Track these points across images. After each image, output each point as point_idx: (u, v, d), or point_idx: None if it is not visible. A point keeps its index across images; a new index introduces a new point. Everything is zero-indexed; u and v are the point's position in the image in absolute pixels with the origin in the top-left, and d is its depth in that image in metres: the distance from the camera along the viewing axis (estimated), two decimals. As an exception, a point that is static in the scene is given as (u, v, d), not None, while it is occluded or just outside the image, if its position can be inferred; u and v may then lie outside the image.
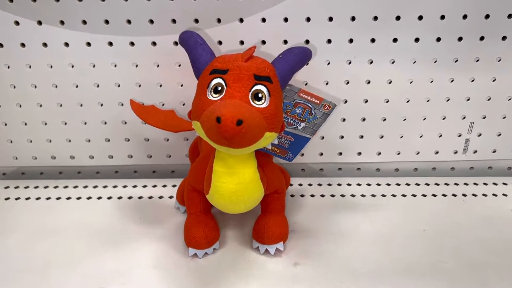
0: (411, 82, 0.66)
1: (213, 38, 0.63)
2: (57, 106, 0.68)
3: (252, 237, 0.56)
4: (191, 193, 0.57)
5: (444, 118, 0.69)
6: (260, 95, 0.45)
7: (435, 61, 0.64)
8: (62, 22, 0.61)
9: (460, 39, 0.63)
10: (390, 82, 0.66)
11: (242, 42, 0.63)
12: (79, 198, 0.67)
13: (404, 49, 0.63)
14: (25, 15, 0.61)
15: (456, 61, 0.64)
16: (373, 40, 0.63)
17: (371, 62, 0.64)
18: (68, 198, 0.67)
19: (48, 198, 0.67)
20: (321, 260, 0.53)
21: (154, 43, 0.63)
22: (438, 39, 0.63)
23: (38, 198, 0.67)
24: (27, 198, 0.67)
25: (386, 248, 0.55)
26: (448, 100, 0.68)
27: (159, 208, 0.65)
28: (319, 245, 0.56)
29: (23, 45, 0.63)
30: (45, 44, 0.63)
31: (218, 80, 0.45)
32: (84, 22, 0.61)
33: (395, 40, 0.63)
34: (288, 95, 0.50)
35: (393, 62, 0.64)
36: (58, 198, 0.67)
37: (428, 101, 0.68)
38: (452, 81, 0.66)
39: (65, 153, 0.72)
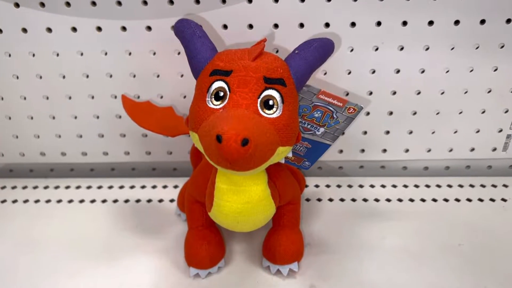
0: (447, 72, 0.57)
1: (217, 22, 0.54)
2: (43, 98, 0.60)
3: (262, 253, 0.49)
4: (192, 204, 0.50)
5: (483, 112, 0.60)
6: (271, 102, 0.37)
7: (477, 47, 0.55)
8: (42, 4, 0.53)
9: (508, 21, 0.53)
10: (422, 72, 0.57)
11: (250, 26, 0.54)
12: (70, 201, 0.61)
13: (441, 33, 0.54)
14: (-1, -4, 0.52)
15: (502, 47, 0.55)
16: (404, 23, 0.53)
17: (402, 49, 0.55)
18: (59, 201, 0.61)
19: (36, 201, 0.61)
20: (341, 282, 0.47)
21: (149, 28, 0.54)
22: (483, 21, 0.53)
23: (26, 201, 0.61)
24: (14, 201, 0.61)
25: (416, 268, 0.48)
26: (489, 91, 0.58)
27: (159, 214, 0.58)
28: (339, 263, 0.49)
29: (0, 31, 0.55)
30: (24, 30, 0.55)
31: (220, 84, 0.37)
32: (68, 4, 0.53)
33: (430, 22, 0.53)
34: (305, 97, 0.42)
35: (427, 49, 0.55)
36: (47, 201, 0.61)
37: (466, 92, 0.59)
38: (495, 70, 0.57)
39: (55, 149, 0.65)
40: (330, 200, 0.60)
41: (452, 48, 0.55)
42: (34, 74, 0.58)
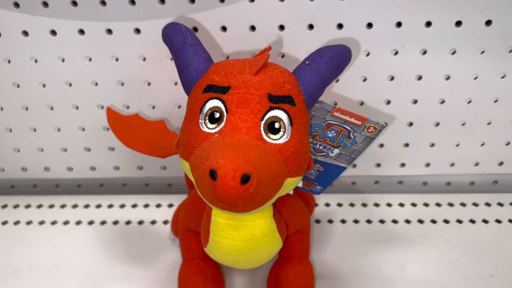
0: (475, 78, 0.50)
1: (214, 23, 0.47)
2: (22, 109, 0.54)
3: (266, 289, 0.43)
4: (186, 233, 0.44)
5: (515, 122, 0.53)
6: (277, 125, 0.30)
7: (510, 51, 0.48)
8: (16, 5, 0.47)
9: (547, 22, 0.46)
10: (448, 78, 0.50)
11: (253, 28, 0.47)
12: (54, 222, 0.55)
13: (470, 35, 0.47)
14: (-33, -5, 0.46)
15: (540, 50, 0.48)
16: (428, 24, 0.47)
17: (425, 53, 0.49)
18: (41, 223, 0.55)
19: (16, 223, 0.55)
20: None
21: (137, 31, 0.48)
22: (518, 22, 0.46)
23: (4, 223, 0.55)
24: (-4, 223, 0.55)
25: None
26: (523, 100, 0.52)
27: (151, 239, 0.52)
28: (355, 299, 0.43)
29: (-30, 34, 0.49)
30: (-3, 33, 0.48)
31: (215, 103, 0.30)
32: (45, 4, 0.47)
33: (458, 23, 0.47)
34: (318, 114, 0.35)
35: (453, 52, 0.48)
36: (28, 223, 0.55)
37: (496, 101, 0.52)
38: (531, 76, 0.50)
39: (38, 163, 0.58)
40: (343, 221, 0.54)
41: (482, 52, 0.48)
42: (11, 83, 0.52)
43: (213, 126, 0.31)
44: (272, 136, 0.30)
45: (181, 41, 0.34)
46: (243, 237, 0.35)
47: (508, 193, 0.58)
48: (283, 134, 0.31)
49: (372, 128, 0.36)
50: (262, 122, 0.30)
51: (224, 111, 0.30)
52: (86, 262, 0.48)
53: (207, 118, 0.31)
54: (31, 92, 0.52)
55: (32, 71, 0.51)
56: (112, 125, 0.44)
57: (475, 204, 0.56)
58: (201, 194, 0.28)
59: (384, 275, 0.46)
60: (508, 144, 0.55)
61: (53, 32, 0.48)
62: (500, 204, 0.56)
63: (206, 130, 0.31)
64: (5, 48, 0.49)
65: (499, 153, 0.56)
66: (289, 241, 0.43)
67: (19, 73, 0.51)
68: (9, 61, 0.50)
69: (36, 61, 0.50)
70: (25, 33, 0.48)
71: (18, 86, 0.52)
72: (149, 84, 0.51)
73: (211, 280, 0.42)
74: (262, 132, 0.30)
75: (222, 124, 0.30)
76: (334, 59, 0.33)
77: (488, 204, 0.56)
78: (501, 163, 0.57)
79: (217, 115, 0.30)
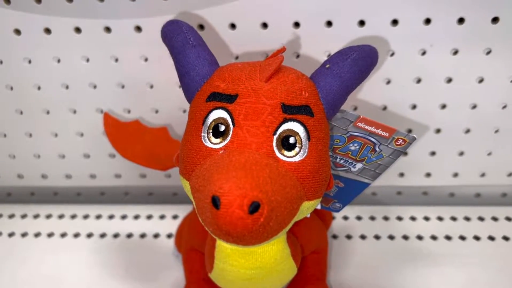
0: (512, 81, 0.45)
1: (223, 20, 0.43)
2: (16, 113, 0.50)
3: (278, 316, 0.39)
4: (190, 253, 0.40)
5: (555, 129, 0.48)
6: (292, 140, 0.26)
7: (554, 50, 0.43)
8: (7, 1, 0.43)
9: None
10: (481, 81, 0.45)
11: (264, 25, 0.43)
12: (50, 234, 0.51)
13: (507, 33, 0.42)
14: (-46, -9, 0.42)
15: None
16: (461, 21, 0.42)
17: (456, 53, 0.44)
18: (37, 235, 0.51)
19: (11, 235, 0.51)
20: None
21: (138, 29, 0.44)
22: None
23: (-2, 235, 0.51)
24: (-15, 235, 0.51)
25: None
26: None
27: (153, 254, 0.48)
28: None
29: (-42, 33, 0.45)
30: (-12, 32, 0.45)
31: (220, 114, 0.26)
32: (38, 0, 0.42)
33: (495, 19, 0.41)
34: (338, 125, 0.30)
35: (488, 52, 0.43)
36: (23, 235, 0.51)
37: (535, 106, 0.47)
38: None
39: (34, 171, 0.55)
40: (362, 237, 0.49)
41: (521, 52, 0.43)
42: (4, 85, 0.48)
43: (218, 141, 0.26)
44: (286, 153, 0.26)
45: (182, 41, 0.29)
46: (252, 265, 0.30)
47: (544, 206, 0.52)
48: (300, 151, 0.26)
49: (401, 140, 0.31)
50: (275, 137, 0.26)
51: (231, 123, 0.26)
52: (83, 280, 0.45)
53: (211, 131, 0.26)
54: (26, 95, 0.49)
55: (26, 73, 0.47)
56: (109, 133, 0.40)
57: (508, 219, 0.51)
58: (203, 222, 0.24)
59: (408, 300, 0.42)
60: (546, 152, 0.50)
61: (47, 31, 0.45)
62: (536, 219, 0.51)
63: (209, 145, 0.26)
64: (-4, 48, 0.46)
65: (536, 163, 0.51)
66: (305, 262, 0.39)
67: (12, 74, 0.47)
68: (1, 62, 0.47)
69: (30, 61, 0.47)
70: (17, 31, 0.45)
71: (12, 88, 0.48)
72: (151, 86, 0.47)
73: (216, 305, 0.38)
74: (275, 148, 0.26)
75: (228, 139, 0.26)
76: (358, 62, 0.28)
77: (523, 219, 0.51)
78: (537, 174, 0.52)
79: (222, 128, 0.26)
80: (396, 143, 0.32)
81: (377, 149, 0.32)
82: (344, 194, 0.36)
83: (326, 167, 0.28)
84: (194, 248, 0.39)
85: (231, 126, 0.26)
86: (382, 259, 0.46)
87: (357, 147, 0.32)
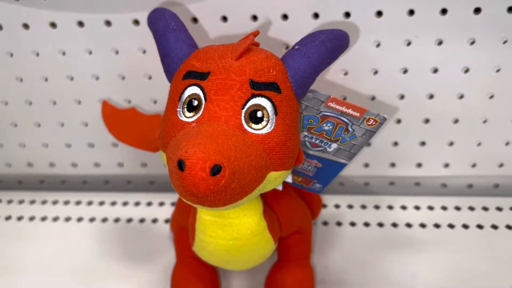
0: (497, 71, 0.46)
1: (215, 13, 0.45)
2: (25, 104, 0.53)
3: (263, 293, 0.41)
4: (179, 232, 0.42)
5: (543, 120, 0.49)
6: (260, 114, 0.28)
7: (537, 40, 0.44)
8: (15, -4, 0.46)
9: None
10: (466, 71, 0.46)
11: (254, 18, 0.45)
12: (56, 219, 0.54)
13: (490, 24, 0.43)
14: (-32, -12, 0.46)
15: None
16: (444, 11, 0.43)
17: (440, 43, 0.45)
18: (44, 219, 0.54)
19: (20, 218, 0.54)
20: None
21: (136, 22, 0.47)
22: (546, 8, 0.42)
23: (8, 218, 0.54)
24: (-5, 218, 0.54)
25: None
26: (551, 94, 0.47)
27: (151, 238, 0.50)
28: (359, 308, 0.40)
29: (-29, 28, 0.48)
30: (-1, 26, 0.48)
31: (194, 90, 0.28)
32: (44, -5, 0.46)
33: (477, 10, 0.43)
34: (311, 105, 0.32)
35: (472, 43, 0.45)
36: (31, 218, 0.54)
37: (521, 96, 0.48)
38: (560, 67, 0.45)
39: (43, 159, 0.58)
40: (352, 224, 0.51)
41: (505, 42, 0.44)
42: (14, 77, 0.51)
43: (191, 114, 0.28)
44: (254, 126, 0.28)
45: (163, 26, 0.32)
46: (229, 235, 0.32)
47: (536, 197, 0.53)
48: (267, 124, 0.28)
49: (372, 120, 0.33)
50: (243, 111, 0.28)
51: (203, 98, 0.28)
52: (84, 259, 0.47)
53: (185, 106, 0.29)
54: (34, 86, 0.52)
55: (34, 65, 0.50)
56: (106, 118, 0.42)
57: (499, 209, 0.52)
58: (174, 186, 0.26)
59: (392, 284, 0.43)
60: (536, 143, 0.51)
61: (53, 25, 0.48)
62: (527, 209, 0.52)
63: (183, 119, 0.29)
64: (6, 42, 0.49)
65: (526, 153, 0.52)
66: (288, 242, 0.41)
67: (22, 66, 0.51)
68: (11, 55, 0.50)
69: (37, 54, 0.50)
70: (26, 26, 0.48)
71: (21, 80, 0.52)
72: (150, 77, 0.50)
73: (203, 281, 0.40)
74: (243, 121, 0.28)
75: (200, 113, 0.28)
76: (326, 44, 0.30)
77: (513, 209, 0.52)
78: (528, 164, 0.52)
79: (196, 103, 0.28)
80: (368, 123, 0.33)
81: (350, 129, 0.34)
82: (322, 174, 0.38)
83: (293, 141, 0.29)
84: (183, 227, 0.41)
85: (203, 101, 0.28)
86: (370, 245, 0.48)
87: (331, 127, 0.34)
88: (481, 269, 0.44)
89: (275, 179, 0.29)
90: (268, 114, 0.28)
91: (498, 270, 0.44)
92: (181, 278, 0.40)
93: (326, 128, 0.34)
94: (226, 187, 0.24)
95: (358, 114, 0.33)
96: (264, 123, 0.28)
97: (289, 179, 0.32)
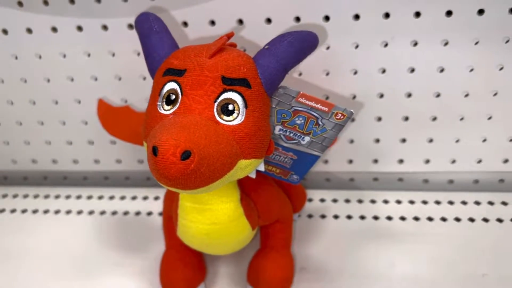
0: (471, 70, 0.49)
1: (203, 17, 0.48)
2: (29, 103, 0.57)
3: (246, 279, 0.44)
4: (167, 221, 0.45)
5: (518, 117, 0.51)
6: (231, 107, 0.31)
7: (507, 41, 0.46)
8: (20, 4, 0.50)
9: (545, 9, 0.44)
10: (442, 71, 0.49)
11: (241, 22, 0.48)
12: (57, 211, 0.57)
13: (462, 25, 0.46)
14: (-23, -4, 0.49)
15: (539, 39, 0.46)
16: (417, 14, 0.46)
17: (415, 44, 0.48)
18: (46, 212, 0.57)
19: (23, 211, 0.57)
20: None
21: (131, 26, 0.50)
22: (512, 10, 0.45)
23: (13, 211, 0.58)
24: (1, 211, 0.58)
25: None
26: (524, 93, 0.49)
27: (145, 229, 0.53)
28: (336, 293, 0.42)
29: (-20, 33, 0.52)
30: (5, 31, 0.52)
31: (172, 85, 0.31)
32: (46, 2, 0.49)
33: (449, 13, 0.45)
34: (283, 100, 0.35)
35: (446, 44, 0.47)
36: (34, 211, 0.57)
37: (495, 94, 0.50)
38: (531, 67, 0.48)
39: (46, 156, 0.61)
40: (335, 217, 0.53)
41: (476, 43, 0.47)
42: (19, 78, 0.55)
43: (169, 107, 0.31)
44: (225, 117, 0.31)
45: (148, 28, 0.35)
46: (208, 220, 0.35)
47: (514, 192, 0.55)
48: (237, 116, 0.31)
49: (340, 114, 0.36)
50: (216, 104, 0.31)
51: (180, 93, 0.31)
52: (81, 250, 0.50)
53: (164, 100, 0.32)
54: (37, 87, 0.55)
55: (37, 67, 0.54)
56: (101, 116, 0.46)
57: (477, 203, 0.54)
58: (151, 171, 0.29)
59: (371, 272, 0.45)
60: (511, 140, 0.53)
61: (54, 29, 0.51)
62: (504, 203, 0.54)
63: (162, 111, 0.32)
64: (12, 45, 0.53)
65: (503, 150, 0.54)
66: (269, 231, 0.44)
67: (25, 68, 0.54)
68: (16, 57, 0.53)
69: (40, 57, 0.53)
70: (29, 30, 0.51)
71: (25, 81, 0.55)
72: (144, 78, 0.53)
73: (190, 267, 0.43)
74: (215, 113, 0.31)
75: (177, 106, 0.31)
76: (295, 44, 0.33)
77: (491, 203, 0.54)
78: (506, 161, 0.55)
79: (173, 97, 0.31)
80: (336, 117, 0.36)
81: (320, 122, 0.36)
82: (298, 166, 0.40)
83: (262, 131, 0.32)
84: (170, 217, 0.44)
85: (180, 95, 0.31)
86: (351, 236, 0.50)
87: (302, 121, 0.37)
88: (456, 258, 0.46)
89: (246, 167, 0.32)
90: (239, 107, 0.31)
91: (472, 259, 0.46)
92: (169, 264, 0.43)
93: (298, 122, 0.37)
94: (195, 171, 0.27)
95: (326, 109, 0.36)
96: (234, 115, 0.31)
97: (261, 168, 0.35)
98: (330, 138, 0.38)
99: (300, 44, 0.33)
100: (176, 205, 0.37)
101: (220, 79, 0.31)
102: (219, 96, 0.31)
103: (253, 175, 0.35)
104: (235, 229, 0.36)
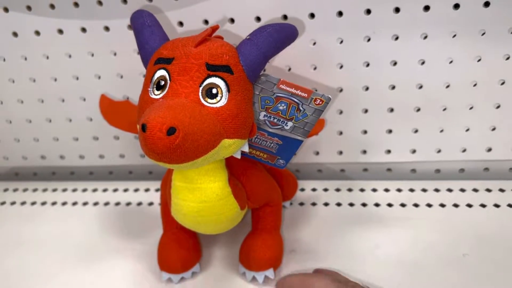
0: (450, 62, 0.51)
1: (197, 17, 0.52)
2: (38, 102, 0.61)
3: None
4: (164, 206, 0.48)
5: (498, 107, 0.54)
6: (214, 90, 0.34)
7: (483, 33, 0.49)
8: (29, 8, 0.54)
9: (517, 2, 0.47)
10: (423, 63, 0.52)
11: (232, 20, 0.52)
12: (64, 203, 0.61)
13: (439, 20, 0.49)
14: (-11, 2, 0.54)
15: (513, 31, 0.49)
16: (397, 10, 0.49)
17: (397, 38, 0.51)
18: (54, 203, 0.61)
19: (33, 203, 0.61)
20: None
21: (130, 27, 0.54)
22: (487, 4, 0.47)
23: (23, 203, 0.61)
24: (12, 203, 0.61)
25: (408, 281, 0.43)
26: (502, 83, 0.52)
27: (147, 218, 0.57)
28: (323, 273, 0.45)
29: (-8, 36, 0.56)
30: (15, 34, 0.56)
31: (161, 73, 0.35)
32: (52, 6, 0.53)
33: (426, 8, 0.48)
34: (265, 87, 0.38)
35: (425, 37, 0.50)
36: (43, 203, 0.61)
37: (475, 85, 0.53)
38: (507, 58, 0.50)
39: (54, 152, 0.65)
40: (326, 204, 0.56)
41: (454, 36, 0.50)
42: (28, 78, 0.59)
43: (159, 92, 0.35)
44: (209, 100, 0.34)
45: (141, 23, 0.39)
46: (198, 199, 0.38)
47: (499, 179, 0.57)
48: (220, 99, 0.34)
49: (319, 100, 0.39)
50: (201, 88, 0.34)
51: (168, 79, 0.34)
52: (86, 236, 0.54)
53: (155, 86, 0.35)
54: (45, 86, 0.59)
55: (45, 67, 0.58)
56: (103, 108, 0.49)
57: (462, 190, 0.57)
58: (141, 147, 0.32)
59: (357, 253, 0.48)
60: (494, 129, 0.55)
61: (60, 31, 0.55)
62: (488, 190, 0.56)
63: (153, 96, 0.35)
64: (21, 47, 0.57)
65: (486, 139, 0.56)
66: (259, 214, 0.46)
67: (34, 69, 0.58)
68: (25, 59, 0.57)
69: (47, 57, 0.57)
70: (37, 32, 0.55)
71: (34, 80, 0.59)
72: (143, 76, 0.56)
73: (186, 248, 0.46)
74: (200, 97, 0.34)
75: (166, 90, 0.34)
76: (274, 34, 0.36)
77: (475, 190, 0.56)
78: (489, 149, 0.57)
79: (162, 83, 0.35)
80: (315, 102, 0.39)
81: (301, 108, 0.40)
82: (283, 150, 0.43)
83: (244, 113, 0.35)
84: (167, 201, 0.47)
85: (168, 81, 0.34)
86: (340, 221, 0.53)
87: (285, 107, 0.40)
88: (438, 240, 0.48)
89: (229, 146, 0.35)
90: (222, 91, 0.34)
91: (454, 241, 0.48)
92: (165, 245, 0.46)
93: (280, 108, 0.40)
94: (180, 146, 0.30)
95: (306, 95, 0.39)
96: (218, 98, 0.34)
97: (246, 149, 0.38)
98: (311, 123, 0.41)
99: (279, 34, 0.37)
100: (169, 186, 0.40)
101: (205, 65, 0.34)
102: (203, 81, 0.34)
103: (238, 156, 0.38)
104: (224, 207, 0.39)
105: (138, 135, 0.32)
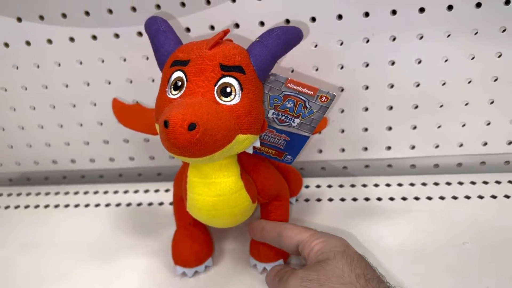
0: (446, 61, 0.54)
1: (204, 23, 0.54)
2: (50, 108, 0.63)
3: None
4: (178, 202, 0.50)
5: (492, 102, 0.56)
6: (228, 89, 0.36)
7: (476, 33, 0.52)
8: (41, 17, 0.56)
9: (507, 2, 0.50)
10: (419, 62, 0.54)
11: (237, 25, 0.54)
12: (77, 205, 0.63)
13: (434, 20, 0.52)
14: (3, 12, 0.56)
15: (504, 30, 0.51)
16: (394, 12, 0.52)
17: (394, 39, 0.53)
18: (66, 206, 0.63)
19: (46, 206, 0.63)
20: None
21: (139, 34, 0.56)
22: (478, 5, 0.50)
23: (36, 206, 0.63)
24: (26, 207, 0.63)
25: (411, 268, 0.46)
26: (495, 80, 0.55)
27: (158, 217, 0.59)
28: (329, 263, 0.47)
29: (6, 45, 0.58)
30: (28, 43, 0.58)
31: (178, 74, 0.37)
32: (64, 15, 0.56)
33: (421, 10, 0.51)
34: (274, 86, 0.41)
35: (421, 38, 0.53)
36: (56, 206, 0.63)
37: (469, 82, 0.55)
38: (499, 56, 0.53)
39: (66, 156, 0.67)
40: (330, 200, 0.58)
41: (448, 36, 0.52)
42: (40, 85, 0.61)
43: (176, 92, 0.37)
44: (224, 98, 0.36)
45: (156, 29, 0.41)
46: (213, 193, 0.41)
47: (495, 172, 0.60)
48: (234, 97, 0.37)
49: (324, 97, 0.41)
50: (216, 87, 0.36)
51: (185, 80, 0.37)
52: (100, 236, 0.56)
53: (172, 86, 0.37)
54: (57, 92, 0.61)
55: (56, 74, 0.60)
56: (116, 111, 0.51)
57: (460, 183, 0.59)
58: (163, 145, 0.35)
59: (361, 244, 0.50)
60: (489, 124, 0.58)
61: (72, 39, 0.57)
62: (485, 183, 0.59)
63: (170, 96, 0.37)
64: (34, 55, 0.59)
65: (482, 133, 0.59)
66: (268, 208, 0.49)
67: (46, 76, 0.60)
68: (38, 66, 0.60)
69: (59, 65, 0.59)
70: (49, 41, 0.58)
71: (46, 87, 0.61)
72: (153, 80, 0.59)
73: (199, 242, 0.48)
74: (216, 95, 0.36)
75: (183, 91, 0.37)
76: (281, 36, 0.39)
77: (473, 183, 0.59)
78: (485, 144, 0.60)
79: (179, 83, 0.37)
80: (321, 100, 0.42)
81: (308, 105, 0.42)
82: (291, 146, 0.46)
83: (256, 111, 0.38)
84: (181, 198, 0.49)
85: (185, 82, 0.37)
86: (344, 215, 0.55)
87: (292, 105, 0.42)
88: (438, 229, 0.51)
89: (243, 141, 0.37)
90: (235, 89, 0.37)
91: (454, 230, 0.50)
92: (179, 240, 0.49)
93: (288, 105, 0.42)
94: (200, 140, 0.33)
95: (312, 93, 0.41)
96: (232, 96, 0.37)
97: (257, 144, 0.40)
98: (317, 119, 0.43)
99: (286, 36, 0.39)
100: (185, 182, 0.42)
101: (219, 66, 0.36)
102: (218, 80, 0.36)
103: (250, 151, 0.40)
104: (237, 200, 0.42)
105: (159, 131, 0.34)
